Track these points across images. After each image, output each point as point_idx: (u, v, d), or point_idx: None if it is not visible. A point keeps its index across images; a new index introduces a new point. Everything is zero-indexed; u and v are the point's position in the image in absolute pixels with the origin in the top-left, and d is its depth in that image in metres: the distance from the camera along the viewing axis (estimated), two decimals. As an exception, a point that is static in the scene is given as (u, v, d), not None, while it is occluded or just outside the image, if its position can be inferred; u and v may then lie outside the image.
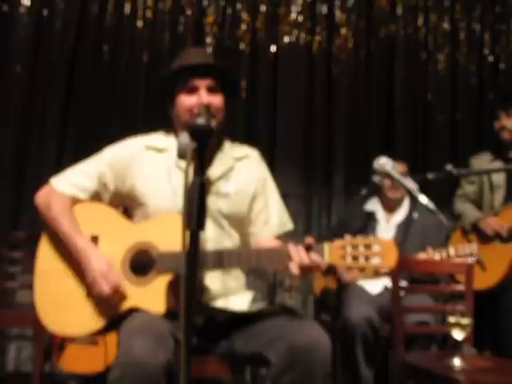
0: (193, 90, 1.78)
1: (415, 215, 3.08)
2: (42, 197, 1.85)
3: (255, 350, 1.69)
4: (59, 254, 1.79)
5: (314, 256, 1.59)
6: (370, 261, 1.58)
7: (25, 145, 3.62)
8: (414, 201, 3.02)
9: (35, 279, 1.80)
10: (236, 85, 1.94)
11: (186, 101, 1.78)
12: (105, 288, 1.67)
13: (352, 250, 1.59)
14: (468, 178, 3.31)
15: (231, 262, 1.67)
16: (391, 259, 1.58)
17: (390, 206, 3.13)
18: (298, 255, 1.59)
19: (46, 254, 1.81)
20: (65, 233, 1.74)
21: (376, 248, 1.58)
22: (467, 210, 3.29)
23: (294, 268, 1.60)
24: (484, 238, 3.12)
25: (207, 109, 1.70)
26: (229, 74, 1.85)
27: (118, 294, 1.69)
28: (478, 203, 3.33)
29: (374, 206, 3.15)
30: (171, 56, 3.80)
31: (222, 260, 1.66)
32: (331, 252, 1.60)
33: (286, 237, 1.96)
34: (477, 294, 2.47)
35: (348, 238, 1.61)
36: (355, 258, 1.59)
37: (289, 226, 1.97)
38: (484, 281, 2.96)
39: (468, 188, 3.34)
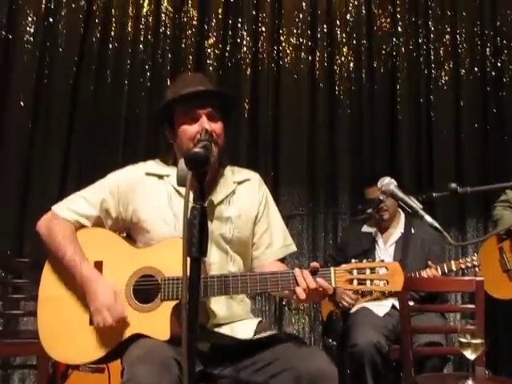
0: (194, 119, 1.78)
1: (412, 230, 3.07)
2: (43, 224, 1.84)
3: (261, 381, 1.66)
4: (62, 282, 1.77)
5: (321, 280, 1.59)
6: (376, 284, 1.58)
7: (28, 171, 3.63)
8: (411, 217, 3.01)
9: (38, 307, 1.78)
10: (233, 107, 1.94)
11: (189, 130, 1.77)
12: (108, 319, 1.66)
13: (358, 273, 1.59)
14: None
15: (237, 287, 1.65)
16: (397, 282, 1.59)
17: (383, 226, 3.12)
18: (304, 280, 1.59)
19: (49, 281, 1.79)
20: (69, 260, 1.73)
21: (382, 271, 1.59)
22: (505, 217, 3.22)
23: (301, 293, 1.59)
24: None
25: (210, 135, 1.70)
26: (228, 98, 1.86)
27: (122, 324, 1.67)
28: None
29: (370, 227, 3.15)
30: (173, 78, 3.83)
31: (227, 285, 1.64)
32: (337, 276, 1.60)
33: (290, 258, 1.95)
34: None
35: (354, 262, 1.61)
36: (361, 282, 1.59)
37: (292, 248, 1.96)
38: (510, 291, 2.91)
39: (511, 194, 3.25)
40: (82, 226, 1.84)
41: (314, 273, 1.60)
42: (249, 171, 1.98)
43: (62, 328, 1.73)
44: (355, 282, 1.59)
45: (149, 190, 1.83)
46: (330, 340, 3.03)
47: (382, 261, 1.64)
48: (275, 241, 1.91)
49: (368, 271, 1.59)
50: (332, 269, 1.61)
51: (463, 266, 2.86)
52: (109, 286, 1.70)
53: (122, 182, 1.85)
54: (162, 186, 1.83)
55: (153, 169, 1.87)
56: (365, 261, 1.62)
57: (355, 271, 1.59)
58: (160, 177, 1.85)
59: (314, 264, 1.62)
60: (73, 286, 1.75)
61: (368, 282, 1.58)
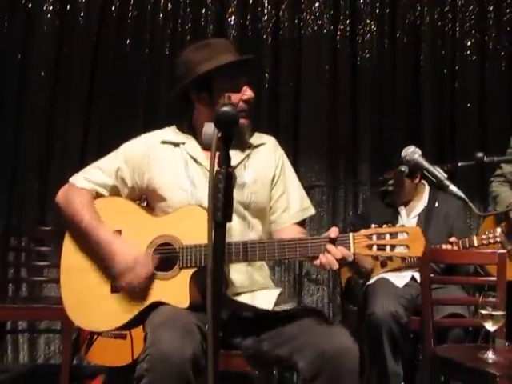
0: (238, 87, 1.77)
1: (436, 204, 3.03)
2: (61, 195, 1.85)
3: (285, 354, 1.65)
4: (83, 250, 1.79)
5: (341, 248, 1.56)
6: (396, 250, 1.54)
7: (49, 140, 3.67)
8: (435, 189, 2.98)
9: (61, 275, 1.81)
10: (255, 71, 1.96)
11: (233, 98, 1.71)
12: (133, 282, 1.67)
13: (378, 239, 1.56)
14: (496, 166, 3.18)
15: (255, 254, 1.64)
16: (418, 248, 1.54)
17: (404, 202, 3.08)
18: (325, 250, 1.57)
19: (70, 250, 1.81)
20: (87, 226, 1.74)
21: (402, 236, 1.54)
22: (502, 194, 3.14)
23: (320, 262, 1.58)
24: None
25: (250, 105, 1.74)
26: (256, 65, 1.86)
27: (146, 285, 1.68)
28: None
29: (393, 199, 3.10)
30: (194, 42, 3.78)
31: (245, 252, 1.64)
32: (356, 242, 1.57)
33: (310, 228, 1.93)
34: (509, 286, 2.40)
35: (373, 227, 1.58)
36: (381, 248, 1.55)
37: (310, 211, 1.94)
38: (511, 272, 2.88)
39: (506, 168, 3.16)
40: (100, 196, 1.84)
41: (332, 241, 1.57)
42: (264, 135, 1.94)
43: (85, 296, 1.76)
44: (375, 247, 1.55)
45: (164, 158, 1.82)
46: (351, 306, 3.04)
47: (403, 225, 1.60)
48: (292, 204, 1.89)
49: (388, 236, 1.54)
50: (351, 234, 1.58)
51: (485, 242, 2.82)
52: (129, 248, 1.71)
53: (137, 150, 1.84)
54: (178, 153, 1.82)
55: (168, 136, 1.86)
56: (385, 226, 1.57)
57: (374, 236, 1.55)
58: (176, 144, 1.84)
59: (334, 231, 1.59)
60: (93, 255, 1.76)
61: (388, 248, 1.54)
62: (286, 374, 3.33)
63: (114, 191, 1.85)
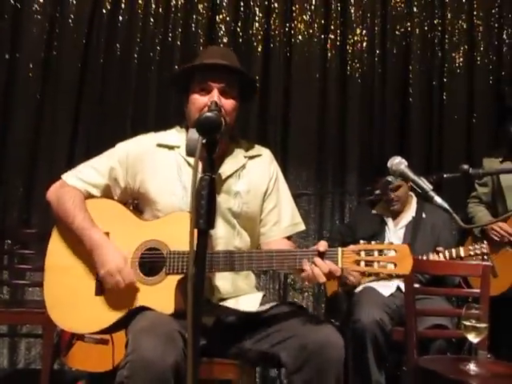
0: (206, 91, 1.76)
1: (423, 215, 3.05)
2: (53, 192, 1.84)
3: (266, 349, 1.67)
4: (70, 250, 1.78)
5: (329, 263, 1.57)
6: (383, 267, 1.55)
7: (36, 142, 3.63)
8: (422, 200, 3.00)
9: (45, 274, 1.79)
10: (253, 89, 1.90)
11: (198, 100, 1.76)
12: (121, 282, 1.66)
13: (366, 255, 1.57)
14: (480, 179, 3.26)
15: (242, 263, 1.64)
16: (406, 266, 1.55)
17: (394, 212, 3.10)
18: (313, 263, 1.57)
19: (56, 250, 1.80)
20: (79, 225, 1.73)
21: (391, 254, 1.56)
22: (478, 214, 3.26)
23: (307, 276, 1.58)
24: (494, 245, 3.07)
25: (219, 110, 1.66)
26: (246, 77, 1.82)
27: (131, 290, 1.67)
28: (491, 205, 3.28)
29: (382, 209, 3.13)
30: (183, 53, 3.80)
31: (233, 261, 1.64)
32: (344, 257, 1.58)
33: (296, 237, 1.94)
34: (493, 299, 2.41)
35: (362, 243, 1.58)
36: (369, 264, 1.56)
37: (300, 226, 1.95)
38: (496, 287, 2.91)
39: (481, 190, 3.32)
40: (91, 196, 1.83)
41: (321, 254, 1.57)
42: (260, 147, 1.95)
43: (68, 297, 1.74)
44: (362, 263, 1.56)
45: (158, 161, 1.82)
46: (333, 320, 3.04)
47: (391, 243, 1.61)
48: (283, 218, 1.90)
49: (376, 253, 1.55)
50: (339, 249, 1.58)
51: (472, 253, 2.85)
52: (118, 250, 1.70)
53: (132, 151, 1.84)
54: (172, 156, 1.82)
55: (163, 139, 1.85)
56: (373, 242, 1.58)
57: (363, 252, 1.56)
58: (170, 147, 1.83)
59: (323, 245, 1.59)
60: (80, 255, 1.76)
61: (375, 264, 1.55)
62: (269, 380, 3.32)
63: (106, 191, 1.84)
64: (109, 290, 1.70)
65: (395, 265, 1.55)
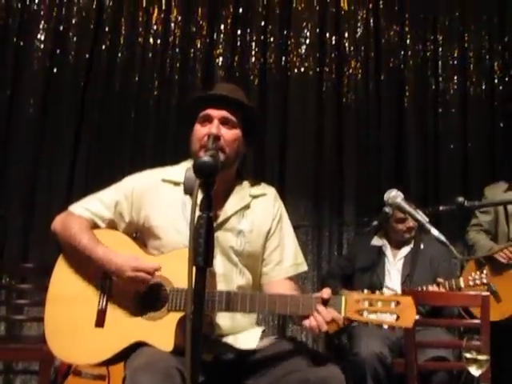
0: (207, 121, 1.78)
1: (421, 246, 3.05)
2: (59, 220, 1.86)
3: None
4: (73, 279, 1.78)
5: (332, 312, 1.57)
6: (386, 317, 1.56)
7: (35, 177, 3.66)
8: (420, 232, 3.00)
9: (46, 304, 1.79)
10: (256, 120, 1.89)
11: (199, 131, 1.78)
12: (144, 277, 1.66)
13: (369, 305, 1.57)
14: (478, 210, 3.27)
15: (245, 306, 1.64)
16: (409, 318, 1.56)
17: (398, 243, 3.10)
18: (317, 312, 1.57)
19: (59, 279, 1.81)
20: (86, 245, 1.74)
21: (394, 305, 1.56)
22: (481, 241, 3.25)
23: (311, 326, 1.57)
24: (498, 269, 3.06)
25: (215, 140, 1.69)
26: (245, 108, 1.82)
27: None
28: (491, 233, 3.29)
29: (380, 240, 3.13)
30: (181, 88, 3.86)
31: (235, 303, 1.63)
32: (348, 306, 1.58)
33: (298, 277, 1.94)
34: (494, 328, 2.40)
35: (366, 292, 1.59)
36: (371, 314, 1.56)
37: (303, 267, 1.94)
38: (499, 312, 2.90)
39: (482, 218, 3.31)
40: (96, 227, 1.84)
41: (324, 302, 1.58)
42: (265, 186, 1.96)
43: (68, 328, 1.74)
44: (365, 313, 1.56)
45: (163, 197, 1.82)
46: (333, 354, 3.02)
47: (396, 294, 1.62)
48: (286, 258, 1.89)
49: (379, 304, 1.56)
50: (343, 298, 1.58)
51: (471, 284, 2.84)
52: (127, 254, 1.72)
53: (137, 186, 1.85)
54: (177, 192, 1.82)
55: (169, 175, 1.86)
56: (377, 292, 1.59)
57: (366, 302, 1.57)
58: (176, 184, 1.84)
59: (327, 292, 1.59)
60: (83, 285, 1.76)
61: (378, 316, 1.56)
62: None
63: (111, 224, 1.85)
64: (109, 323, 1.69)
65: (398, 317, 1.55)
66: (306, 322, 1.58)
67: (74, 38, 3.81)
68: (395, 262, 3.06)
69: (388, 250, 3.10)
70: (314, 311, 1.57)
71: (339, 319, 1.56)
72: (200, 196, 1.28)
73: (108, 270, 1.72)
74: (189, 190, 1.27)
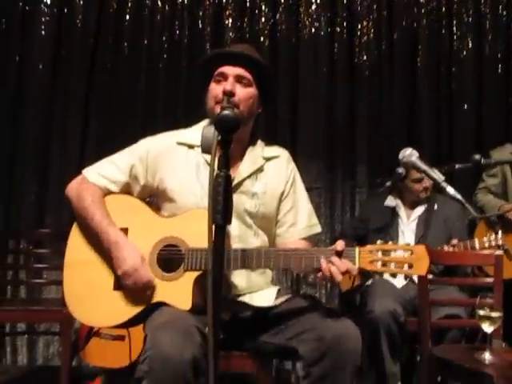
0: (222, 79, 1.76)
1: (435, 206, 3.04)
2: (73, 187, 1.86)
3: (283, 343, 1.69)
4: (88, 246, 1.80)
5: (346, 262, 1.58)
6: (400, 267, 1.57)
7: (47, 141, 3.67)
8: (434, 192, 2.99)
9: (64, 269, 1.81)
10: (271, 79, 1.87)
11: (214, 88, 1.77)
12: (138, 282, 1.68)
13: (382, 255, 1.58)
14: (489, 170, 3.27)
15: (260, 262, 1.65)
16: (422, 267, 1.57)
17: (413, 203, 3.09)
18: (331, 263, 1.58)
19: (75, 245, 1.82)
20: (97, 224, 1.74)
21: (407, 254, 1.57)
22: (491, 202, 3.26)
23: (326, 275, 1.59)
24: (509, 227, 3.06)
25: (228, 97, 1.69)
26: (261, 67, 1.80)
27: (148, 289, 1.69)
28: (499, 196, 3.28)
29: (394, 200, 3.12)
30: (190, 51, 3.82)
31: (250, 259, 1.65)
32: (361, 257, 1.59)
33: (313, 237, 1.95)
34: (506, 285, 2.42)
35: (379, 243, 1.60)
36: (385, 264, 1.58)
37: (317, 228, 1.95)
38: (510, 270, 2.92)
39: (490, 181, 3.32)
40: (110, 193, 1.85)
41: (338, 253, 1.59)
42: (278, 148, 1.96)
43: (87, 292, 1.76)
44: (379, 263, 1.58)
45: (178, 160, 1.83)
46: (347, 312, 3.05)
47: (408, 244, 1.62)
48: (299, 220, 1.90)
49: (393, 253, 1.57)
50: (357, 249, 1.60)
51: (487, 245, 2.85)
52: (136, 250, 1.72)
53: (152, 149, 1.85)
54: (192, 155, 1.82)
55: (184, 138, 1.86)
56: (390, 242, 1.60)
57: (380, 252, 1.58)
58: (191, 146, 1.84)
59: (341, 244, 1.60)
60: (99, 250, 1.77)
61: (392, 265, 1.57)
62: (284, 372, 3.34)
63: (126, 188, 1.85)
64: (128, 287, 1.72)
65: (411, 265, 1.57)
66: (321, 273, 1.60)
67: (81, 2, 3.76)
68: (409, 223, 3.06)
69: (402, 211, 3.10)
70: (328, 263, 1.58)
71: (353, 269, 1.58)
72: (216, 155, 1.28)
73: (110, 255, 1.72)
74: (206, 148, 1.26)
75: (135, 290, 1.69)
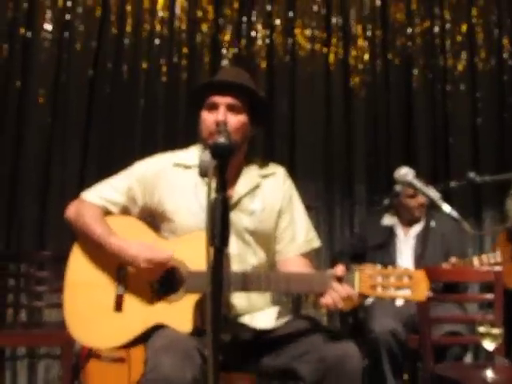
0: (213, 108, 1.79)
1: (433, 224, 3.05)
2: (72, 208, 1.88)
3: (284, 364, 1.69)
4: (90, 265, 1.81)
5: (348, 289, 1.59)
6: (399, 292, 1.58)
7: (48, 165, 3.68)
8: (431, 210, 3.01)
9: (65, 291, 1.82)
10: (261, 103, 1.89)
11: (207, 118, 1.80)
12: (155, 269, 1.69)
13: (382, 280, 1.59)
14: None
15: (260, 286, 1.66)
16: (422, 292, 1.57)
17: (409, 221, 3.10)
18: (333, 290, 1.59)
19: (76, 266, 1.83)
20: (99, 236, 1.76)
21: (406, 279, 1.58)
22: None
23: (328, 302, 1.60)
24: None
25: (224, 126, 1.72)
26: (252, 93, 1.83)
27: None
28: None
29: (391, 220, 3.13)
30: (189, 72, 3.86)
31: (250, 283, 1.66)
32: (361, 282, 1.60)
33: (311, 254, 1.96)
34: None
35: (379, 267, 1.61)
36: (385, 288, 1.59)
37: (315, 243, 1.96)
38: None
39: None
40: (109, 213, 1.87)
41: (339, 279, 1.59)
42: (274, 165, 1.98)
43: (88, 312, 1.77)
44: (379, 288, 1.58)
45: (175, 180, 1.85)
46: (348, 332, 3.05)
47: (408, 269, 1.62)
48: (298, 235, 1.91)
49: (392, 278, 1.58)
50: (357, 274, 1.60)
51: (485, 262, 2.86)
52: (141, 243, 1.74)
53: (149, 170, 1.87)
54: (189, 175, 1.84)
55: (180, 159, 1.89)
56: (390, 267, 1.61)
57: (379, 277, 1.58)
58: (187, 167, 1.86)
59: (341, 270, 1.60)
60: (99, 271, 1.79)
61: (392, 290, 1.58)
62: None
63: (124, 210, 1.87)
64: (127, 307, 1.73)
65: (411, 290, 1.57)
66: (323, 300, 1.61)
67: (80, 27, 3.81)
68: (407, 241, 3.07)
69: (399, 229, 3.11)
70: (329, 288, 1.59)
71: (354, 295, 1.58)
72: (213, 179, 1.31)
73: (122, 261, 1.74)
74: (204, 173, 1.29)
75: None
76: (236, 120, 1.79)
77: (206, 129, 1.80)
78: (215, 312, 1.23)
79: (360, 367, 1.60)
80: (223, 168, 1.29)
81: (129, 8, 3.88)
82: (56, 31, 3.77)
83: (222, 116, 1.76)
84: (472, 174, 1.78)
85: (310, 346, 1.65)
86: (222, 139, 1.32)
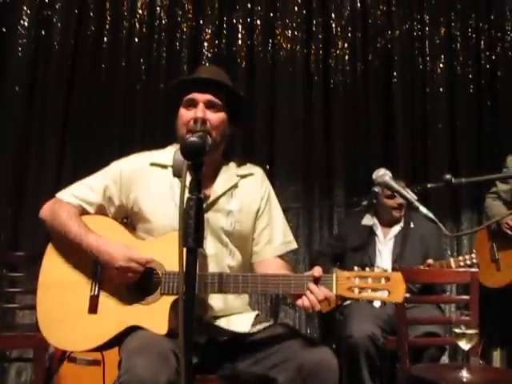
0: (191, 105, 1.78)
1: (411, 225, 3.07)
2: (47, 208, 1.85)
3: (261, 372, 1.67)
4: (63, 266, 1.78)
5: (325, 290, 1.58)
6: (377, 293, 1.59)
7: (24, 164, 3.62)
8: (410, 211, 3.03)
9: (38, 291, 1.79)
10: (240, 102, 1.88)
11: (184, 115, 1.78)
12: (135, 267, 1.67)
13: (360, 281, 1.59)
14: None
15: (237, 287, 1.65)
16: (399, 293, 1.58)
17: (389, 222, 3.12)
18: (309, 291, 1.58)
19: (49, 266, 1.80)
20: (76, 234, 1.73)
21: (384, 281, 1.58)
22: (494, 208, 3.29)
23: (304, 304, 1.59)
24: (506, 240, 3.13)
25: (202, 124, 1.70)
26: (230, 90, 1.82)
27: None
28: (508, 202, 3.31)
29: (371, 219, 3.15)
30: (168, 72, 3.83)
31: (227, 284, 1.64)
32: (339, 283, 1.60)
33: (289, 255, 1.95)
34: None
35: (356, 270, 1.61)
36: (362, 291, 1.59)
37: (292, 245, 1.96)
38: (496, 280, 2.98)
39: (500, 186, 3.34)
40: (85, 212, 1.84)
41: (316, 280, 1.59)
42: (252, 166, 1.97)
43: (61, 315, 1.73)
44: (356, 290, 1.59)
45: (151, 180, 1.83)
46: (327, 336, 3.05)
47: (386, 270, 1.63)
48: (275, 237, 1.90)
49: (370, 280, 1.59)
50: (334, 276, 1.60)
51: (462, 264, 2.90)
52: (119, 244, 1.71)
53: (125, 170, 1.85)
54: (165, 176, 1.82)
55: (157, 158, 1.86)
56: (367, 269, 1.61)
57: (357, 279, 1.59)
58: (164, 167, 1.84)
59: (318, 271, 1.60)
60: (73, 272, 1.75)
61: (369, 291, 1.58)
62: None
63: (100, 209, 1.85)
64: (102, 308, 1.70)
65: (388, 292, 1.58)
66: (299, 302, 1.60)
67: (59, 24, 3.75)
68: (386, 242, 3.09)
69: (378, 230, 3.12)
70: (306, 290, 1.59)
71: (331, 297, 1.58)
72: (188, 178, 1.29)
73: (99, 259, 1.71)
74: (177, 173, 1.27)
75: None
76: (216, 117, 1.77)
77: (182, 125, 1.78)
78: (188, 313, 1.20)
79: (337, 376, 1.60)
80: (197, 168, 1.27)
81: (107, 5, 3.84)
82: (32, 28, 3.70)
83: (201, 113, 1.74)
84: (448, 176, 1.79)
85: (289, 353, 1.63)
86: (193, 138, 1.30)
